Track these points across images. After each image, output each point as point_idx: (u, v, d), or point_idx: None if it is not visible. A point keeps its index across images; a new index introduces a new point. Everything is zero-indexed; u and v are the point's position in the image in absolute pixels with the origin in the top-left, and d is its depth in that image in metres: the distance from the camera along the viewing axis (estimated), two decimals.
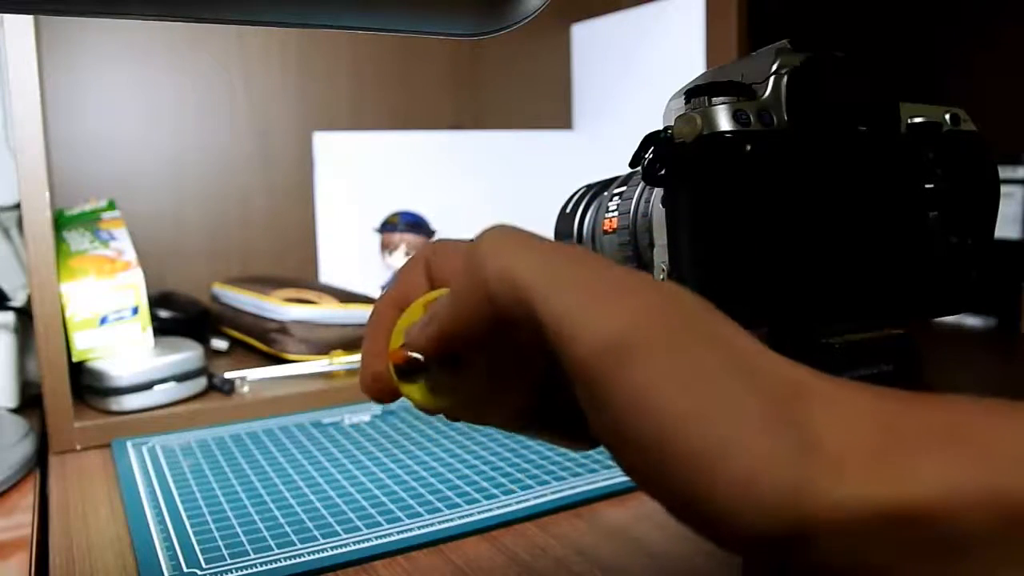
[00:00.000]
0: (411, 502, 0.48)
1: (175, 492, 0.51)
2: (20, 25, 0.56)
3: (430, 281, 0.28)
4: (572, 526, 0.46)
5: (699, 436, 0.18)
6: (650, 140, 0.31)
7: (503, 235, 0.23)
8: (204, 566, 0.41)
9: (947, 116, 0.34)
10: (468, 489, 0.50)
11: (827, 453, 0.18)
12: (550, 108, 1.12)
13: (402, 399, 0.27)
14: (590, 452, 0.55)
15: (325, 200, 0.99)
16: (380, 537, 0.44)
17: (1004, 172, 0.40)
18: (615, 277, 0.21)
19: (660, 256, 0.32)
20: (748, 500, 0.18)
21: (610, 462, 0.53)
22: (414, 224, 0.93)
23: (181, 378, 0.66)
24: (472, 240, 0.24)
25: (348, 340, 0.76)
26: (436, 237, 0.81)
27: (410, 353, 0.25)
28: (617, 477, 0.51)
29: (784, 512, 0.18)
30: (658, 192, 0.32)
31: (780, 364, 0.20)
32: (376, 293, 0.87)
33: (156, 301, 0.80)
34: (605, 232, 0.37)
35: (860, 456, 0.18)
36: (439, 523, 0.45)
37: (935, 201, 0.33)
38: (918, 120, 0.33)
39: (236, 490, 0.51)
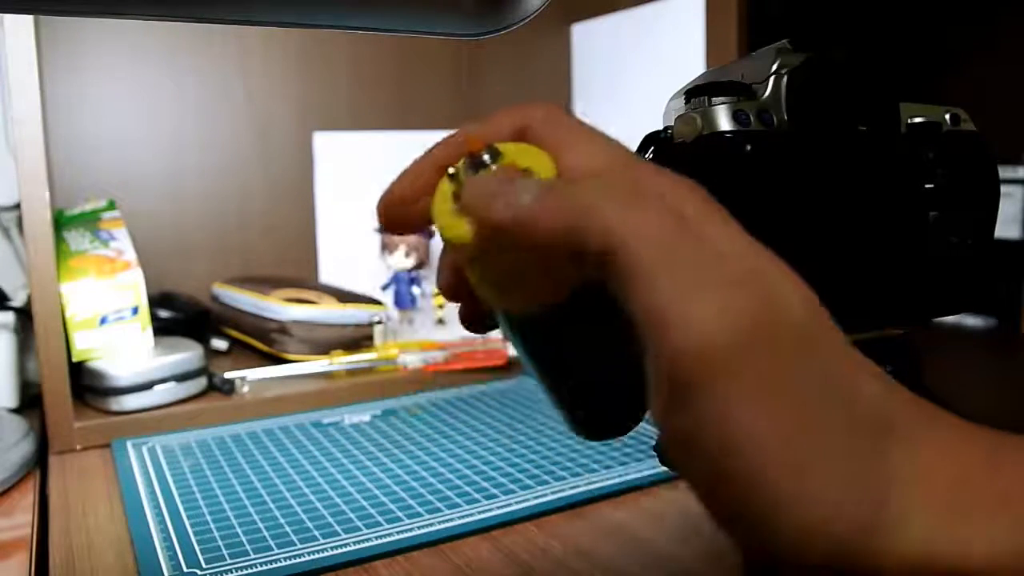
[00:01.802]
0: (411, 502, 0.48)
1: (175, 492, 0.51)
2: (20, 25, 0.56)
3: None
4: (572, 526, 0.46)
5: (777, 466, 0.18)
6: (650, 140, 0.31)
7: (617, 189, 0.20)
8: (204, 566, 0.41)
9: (947, 116, 0.34)
10: (468, 489, 0.50)
11: (897, 504, 0.18)
12: None
13: None
14: (589, 452, 0.55)
15: (325, 200, 0.99)
16: (380, 537, 0.44)
17: (1004, 172, 0.40)
18: (729, 259, 0.19)
19: None
20: (812, 543, 0.18)
21: (610, 462, 0.53)
22: None
23: (181, 378, 0.66)
24: (576, 182, 0.21)
25: (348, 340, 0.76)
26: (437, 237, 0.80)
27: (483, 151, 0.23)
28: (617, 477, 0.51)
29: (845, 558, 0.18)
30: None
31: (876, 390, 0.19)
32: (376, 293, 0.87)
33: (156, 301, 0.80)
34: None
35: (929, 510, 0.18)
36: (439, 523, 0.45)
37: (935, 201, 0.33)
38: (918, 120, 0.33)
39: (236, 490, 0.51)
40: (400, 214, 0.25)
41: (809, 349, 0.19)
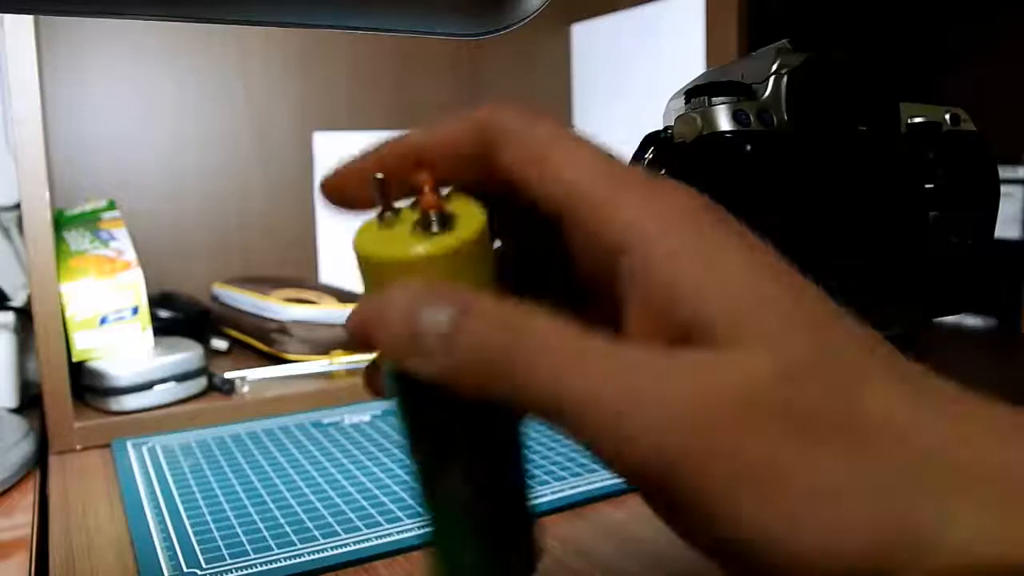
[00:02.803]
0: (411, 502, 0.48)
1: (175, 492, 0.51)
2: (20, 25, 0.56)
3: (479, 160, 0.21)
4: (572, 526, 0.45)
5: (805, 539, 0.17)
6: (650, 140, 0.31)
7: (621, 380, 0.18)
8: (204, 566, 0.41)
9: (947, 116, 0.34)
10: None
11: (933, 513, 0.17)
12: (550, 108, 1.12)
13: None
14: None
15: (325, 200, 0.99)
16: (380, 537, 0.44)
17: (1004, 172, 0.40)
18: (692, 337, 0.18)
19: None
20: (820, 571, 0.17)
21: None
22: None
23: (181, 378, 0.66)
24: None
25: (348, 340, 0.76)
26: None
27: (439, 210, 0.20)
28: (617, 477, 0.51)
29: None
30: None
31: (918, 425, 0.18)
32: None
33: (156, 301, 0.80)
34: None
35: (977, 510, 0.17)
36: None
37: (935, 201, 0.33)
38: (918, 120, 0.33)
39: (236, 490, 0.51)
40: (344, 197, 0.24)
41: (795, 424, 0.18)
